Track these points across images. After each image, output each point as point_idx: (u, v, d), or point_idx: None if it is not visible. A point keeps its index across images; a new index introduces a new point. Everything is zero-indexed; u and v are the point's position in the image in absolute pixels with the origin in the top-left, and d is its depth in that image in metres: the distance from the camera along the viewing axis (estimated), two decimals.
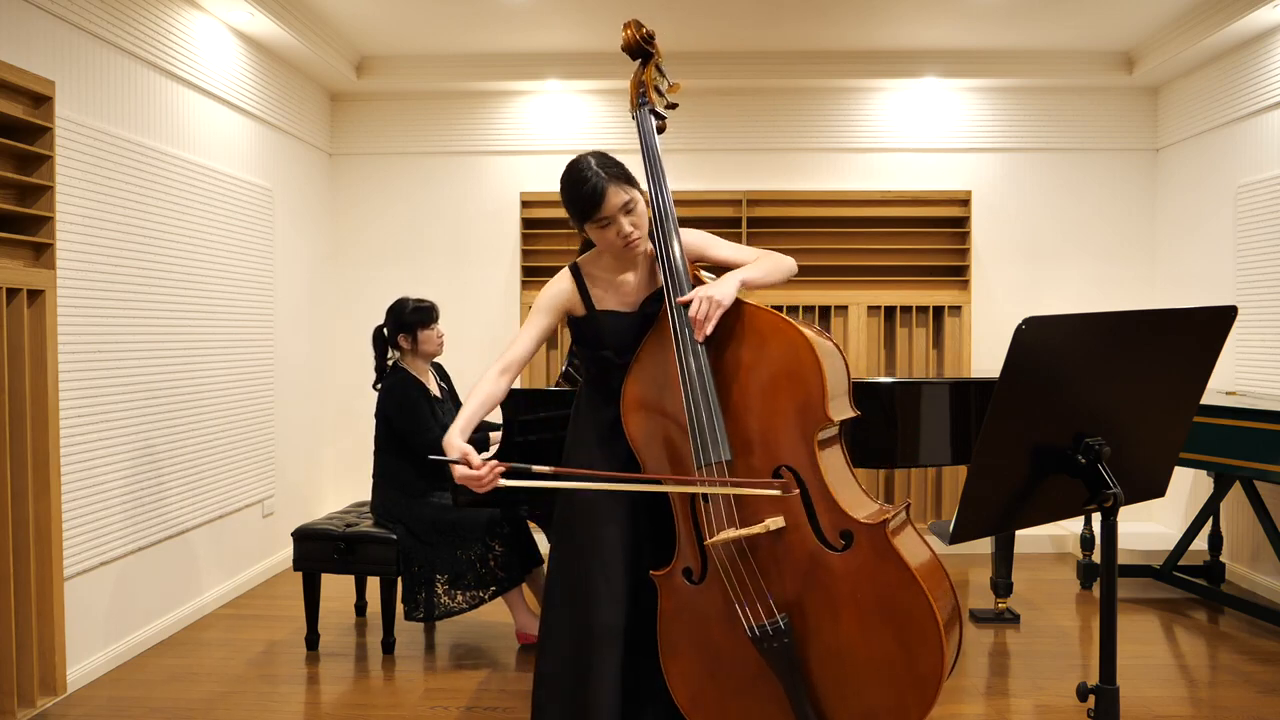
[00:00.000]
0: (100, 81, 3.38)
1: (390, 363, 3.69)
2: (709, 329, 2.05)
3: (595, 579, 2.17)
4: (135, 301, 3.54)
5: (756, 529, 2.00)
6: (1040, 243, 5.29)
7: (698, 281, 2.18)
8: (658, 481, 2.12)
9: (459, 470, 1.98)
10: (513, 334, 5.26)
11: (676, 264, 2.15)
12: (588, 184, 2.07)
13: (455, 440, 2.03)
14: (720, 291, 2.06)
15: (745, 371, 2.09)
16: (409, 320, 3.59)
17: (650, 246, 2.20)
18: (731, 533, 2.00)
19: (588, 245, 2.34)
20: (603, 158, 2.13)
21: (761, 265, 2.22)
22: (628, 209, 2.10)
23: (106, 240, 3.37)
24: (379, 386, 3.67)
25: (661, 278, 2.15)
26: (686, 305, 2.08)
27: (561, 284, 2.23)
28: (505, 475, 1.99)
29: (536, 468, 2.00)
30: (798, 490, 1.99)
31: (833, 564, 2.00)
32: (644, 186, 2.21)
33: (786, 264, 2.27)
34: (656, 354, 2.16)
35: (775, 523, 2.00)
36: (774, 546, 2.03)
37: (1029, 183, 5.30)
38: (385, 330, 3.66)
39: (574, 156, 2.17)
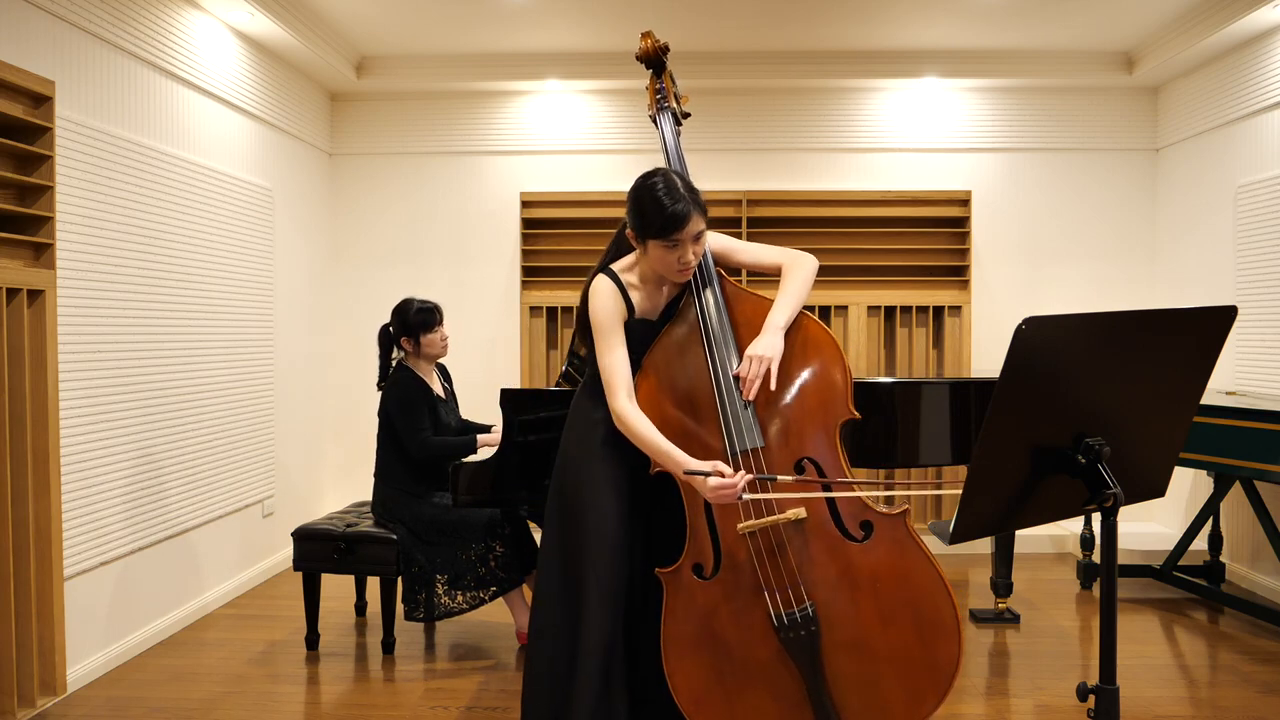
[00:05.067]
0: (100, 81, 3.38)
1: (395, 361, 3.71)
2: (756, 388, 2.09)
3: (587, 580, 2.18)
4: (135, 301, 3.54)
5: (780, 518, 2.04)
6: (1040, 243, 5.29)
7: (723, 282, 2.25)
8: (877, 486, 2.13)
9: (713, 482, 1.96)
10: (512, 334, 5.27)
11: (708, 264, 2.23)
12: (679, 203, 2.07)
13: (688, 458, 2.02)
14: (771, 348, 2.10)
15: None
16: (413, 323, 3.60)
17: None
18: (756, 521, 2.05)
19: (616, 252, 2.33)
20: (687, 181, 2.14)
21: (794, 289, 2.21)
22: (697, 239, 2.13)
23: (106, 240, 3.37)
24: (382, 385, 3.69)
25: (691, 278, 2.22)
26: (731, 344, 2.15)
27: (611, 294, 2.21)
28: (749, 487, 1.99)
29: (781, 477, 2.02)
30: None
31: (853, 554, 2.06)
32: None
33: (811, 271, 2.27)
34: (673, 350, 2.21)
35: (797, 513, 2.05)
36: (796, 537, 2.07)
37: (1029, 183, 5.30)
38: (390, 330, 3.68)
39: (652, 170, 2.17)
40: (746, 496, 1.99)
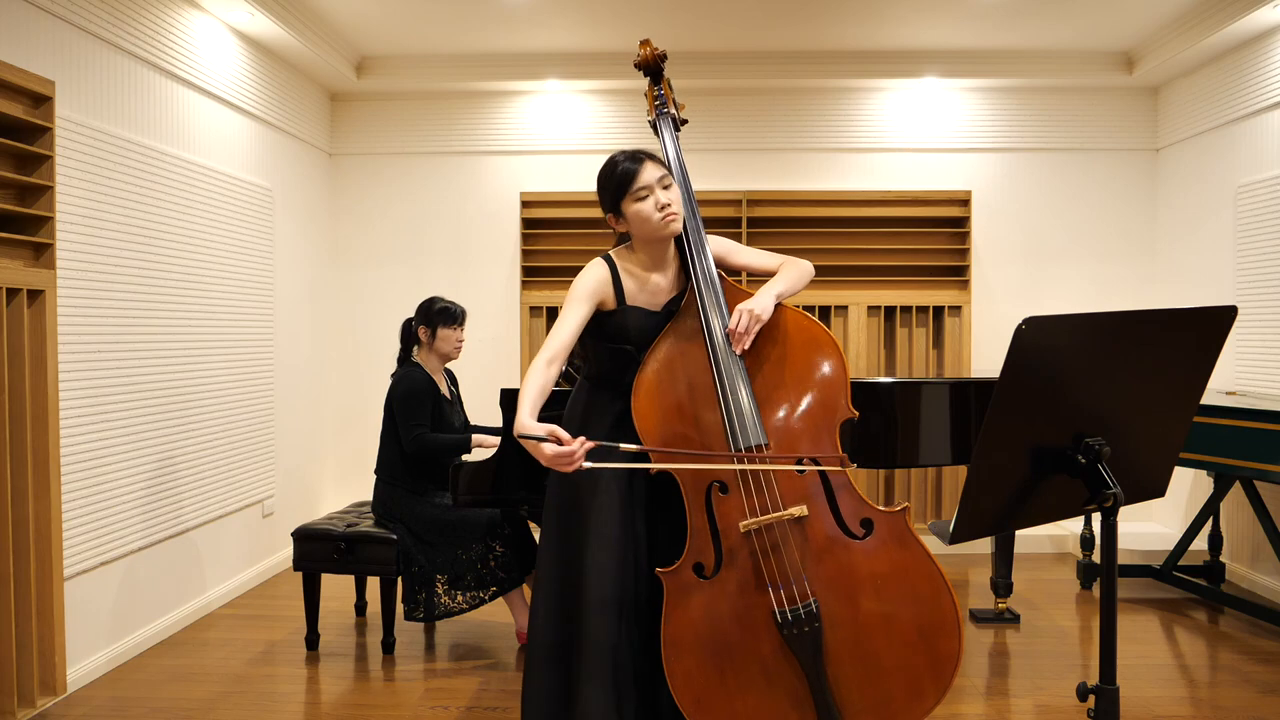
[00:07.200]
0: (100, 81, 3.38)
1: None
2: (748, 343, 2.16)
3: (589, 582, 2.17)
4: (135, 301, 3.54)
5: (781, 515, 2.06)
6: (1040, 243, 5.29)
7: (724, 283, 2.28)
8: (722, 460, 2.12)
9: (548, 449, 1.92)
10: (512, 334, 5.27)
11: (708, 262, 2.27)
12: (626, 160, 2.20)
13: (531, 421, 1.98)
14: (760, 305, 2.18)
15: (775, 365, 2.19)
16: (434, 315, 3.63)
17: (680, 232, 2.28)
18: (758, 519, 2.06)
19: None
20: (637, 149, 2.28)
21: (789, 276, 2.32)
22: (663, 184, 2.20)
23: (106, 240, 3.37)
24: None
25: (691, 275, 2.25)
26: (724, 311, 2.21)
27: (598, 273, 2.24)
28: (590, 455, 1.96)
29: (624, 446, 2.02)
30: (854, 464, 2.03)
31: (854, 551, 2.08)
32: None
33: (807, 270, 2.38)
34: (675, 348, 2.22)
35: (799, 510, 2.07)
36: (797, 534, 2.08)
37: (1029, 183, 5.30)
38: (412, 322, 3.71)
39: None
40: (588, 465, 1.94)
